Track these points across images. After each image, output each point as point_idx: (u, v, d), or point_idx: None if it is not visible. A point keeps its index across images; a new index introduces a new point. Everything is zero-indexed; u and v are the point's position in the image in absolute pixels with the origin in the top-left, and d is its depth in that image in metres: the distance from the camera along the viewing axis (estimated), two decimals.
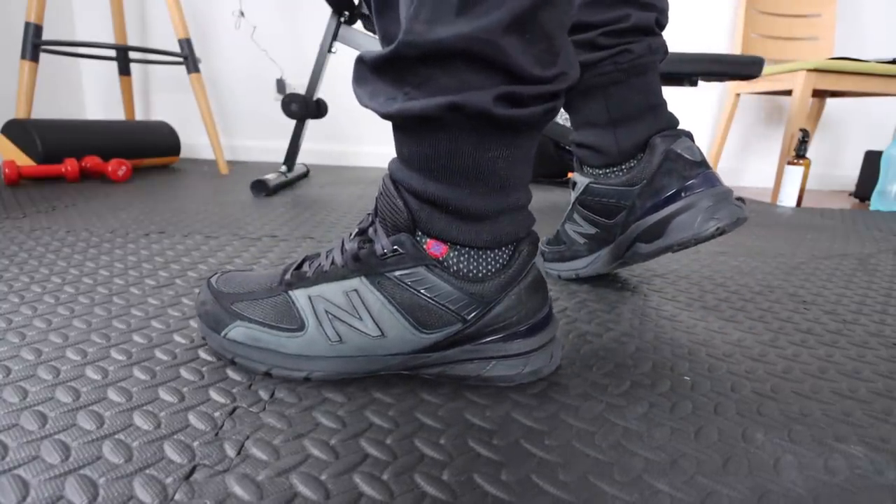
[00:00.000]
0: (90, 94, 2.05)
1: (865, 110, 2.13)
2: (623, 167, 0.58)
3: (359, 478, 0.28)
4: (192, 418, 0.33)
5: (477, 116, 0.32)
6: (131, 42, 1.96)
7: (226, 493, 0.27)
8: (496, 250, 0.38)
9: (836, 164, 2.21)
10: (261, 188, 1.22)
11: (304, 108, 1.32)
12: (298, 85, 2.01)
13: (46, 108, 1.80)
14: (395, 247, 0.36)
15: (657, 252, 0.56)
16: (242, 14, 1.94)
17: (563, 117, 1.59)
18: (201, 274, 0.62)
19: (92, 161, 1.34)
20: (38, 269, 0.61)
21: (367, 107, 0.36)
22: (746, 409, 0.37)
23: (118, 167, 1.32)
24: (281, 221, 0.95)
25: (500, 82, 0.32)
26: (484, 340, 0.38)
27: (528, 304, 0.38)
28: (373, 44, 1.28)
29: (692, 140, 0.56)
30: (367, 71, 0.35)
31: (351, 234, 0.39)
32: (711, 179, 0.54)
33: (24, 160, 1.28)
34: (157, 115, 2.10)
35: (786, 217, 1.31)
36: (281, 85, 2.00)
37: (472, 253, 0.37)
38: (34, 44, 1.37)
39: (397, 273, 0.36)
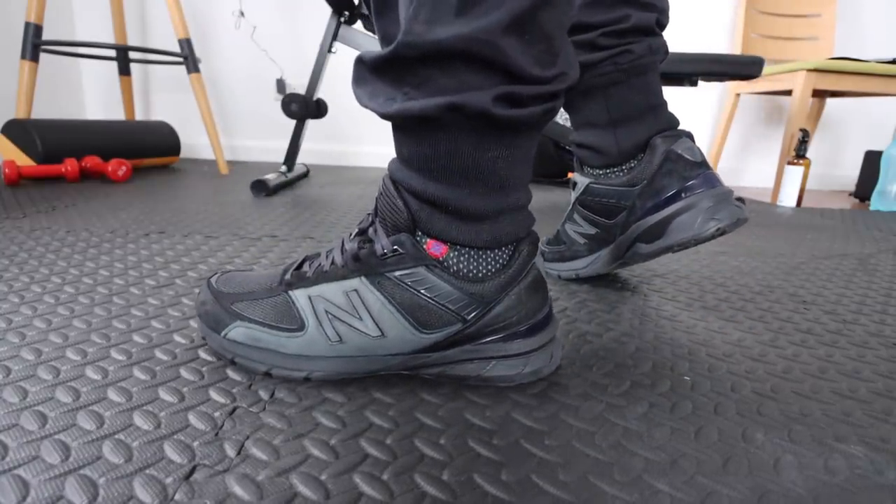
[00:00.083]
0: (90, 94, 2.05)
1: (865, 110, 2.13)
2: (623, 167, 0.58)
3: (359, 478, 0.28)
4: (192, 418, 0.33)
5: (476, 117, 0.32)
6: (131, 42, 1.96)
7: (226, 493, 0.27)
8: (496, 250, 0.38)
9: (836, 164, 2.21)
10: (261, 188, 1.22)
11: (304, 108, 1.32)
12: (298, 85, 2.01)
13: (46, 108, 1.80)
14: (395, 247, 0.36)
15: (657, 252, 0.56)
16: (242, 14, 1.94)
17: (563, 117, 1.59)
18: (201, 274, 0.62)
19: (92, 161, 1.34)
20: (38, 269, 0.61)
21: (366, 107, 0.36)
22: (746, 409, 0.37)
23: (118, 167, 1.32)
24: (281, 221, 0.95)
25: (500, 82, 0.32)
26: (484, 340, 0.38)
27: (528, 304, 0.38)
28: (373, 44, 1.28)
29: (692, 140, 0.56)
30: (367, 71, 0.35)
31: (351, 235, 0.39)
32: (712, 180, 0.54)
33: (24, 160, 1.28)
34: (157, 115, 2.10)
35: (786, 217, 1.31)
36: (281, 85, 2.00)
37: (472, 253, 0.37)
38: (34, 44, 1.37)
39: (397, 273, 0.36)
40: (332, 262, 0.38)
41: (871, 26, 2.03)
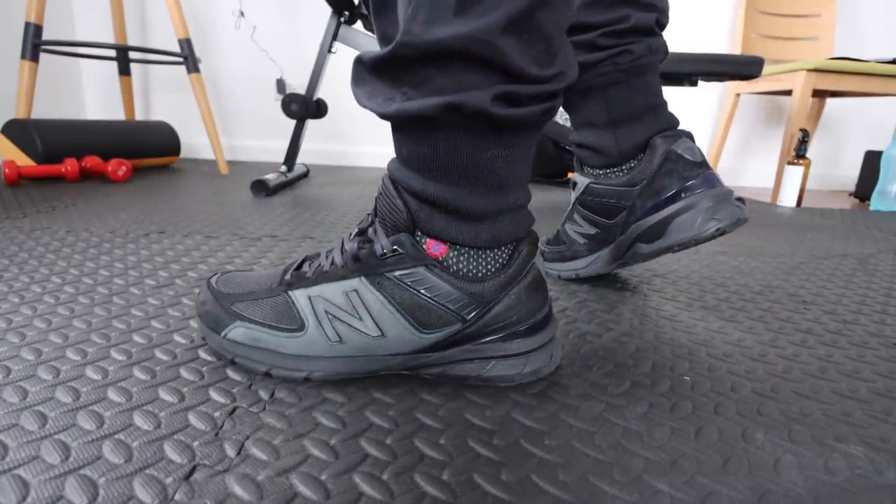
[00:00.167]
0: (90, 94, 2.05)
1: (865, 110, 2.13)
2: (623, 168, 0.58)
3: (359, 478, 0.28)
4: (192, 418, 0.33)
5: (475, 116, 0.32)
6: (131, 42, 1.96)
7: (226, 493, 0.27)
8: (496, 250, 0.38)
9: (836, 164, 2.21)
10: (261, 188, 1.22)
11: (304, 108, 1.32)
12: (298, 85, 2.01)
13: (46, 108, 1.80)
14: (395, 247, 0.36)
15: (657, 252, 0.56)
16: (242, 14, 1.94)
17: (563, 117, 1.59)
18: (201, 274, 0.62)
19: (92, 161, 1.34)
20: (38, 269, 0.61)
21: (365, 107, 0.36)
22: (746, 409, 0.37)
23: (118, 167, 1.32)
24: (281, 221, 0.95)
25: (498, 82, 0.32)
26: (484, 340, 0.38)
27: (527, 304, 0.38)
28: (373, 44, 1.28)
29: (692, 140, 0.56)
30: (366, 71, 0.35)
31: (351, 235, 0.39)
32: (712, 180, 0.54)
33: (24, 160, 1.28)
34: (157, 115, 2.10)
35: (786, 217, 1.31)
36: (281, 85, 2.00)
37: (472, 253, 0.37)
38: (34, 44, 1.37)
39: (397, 273, 0.36)
40: (332, 263, 0.38)
41: (871, 26, 2.03)
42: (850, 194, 1.97)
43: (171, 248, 0.72)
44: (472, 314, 0.37)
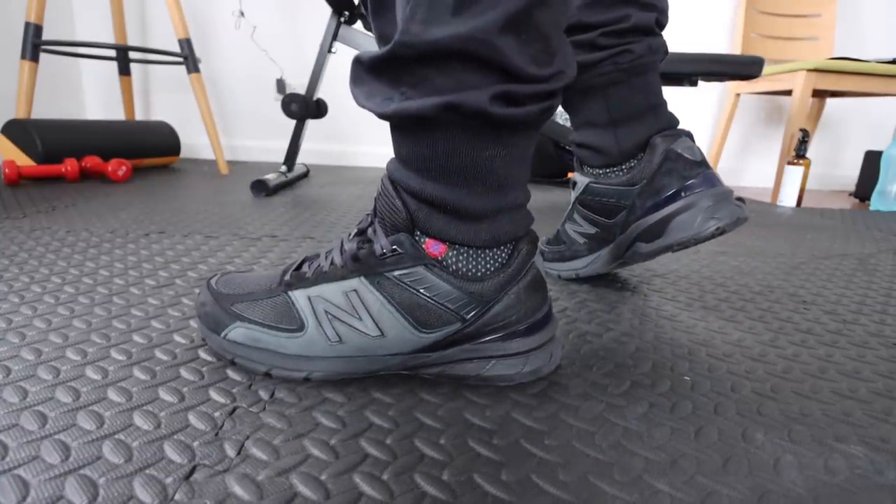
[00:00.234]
0: (90, 94, 2.05)
1: (865, 110, 2.13)
2: (623, 167, 0.58)
3: (359, 478, 0.28)
4: (192, 418, 0.33)
5: (473, 116, 0.32)
6: (131, 42, 1.96)
7: (226, 493, 0.27)
8: (495, 249, 0.38)
9: (836, 164, 2.21)
10: (261, 188, 1.22)
11: (304, 108, 1.32)
12: (298, 85, 2.01)
13: (46, 108, 1.80)
14: (394, 247, 0.36)
15: (657, 252, 0.56)
16: (242, 14, 1.94)
17: (563, 117, 1.59)
18: (201, 274, 0.62)
19: (92, 161, 1.34)
20: (38, 269, 0.61)
21: (363, 107, 0.36)
22: (746, 409, 0.37)
23: (118, 167, 1.32)
24: (281, 221, 0.95)
25: (496, 81, 0.32)
26: (483, 339, 0.38)
27: (527, 304, 0.38)
28: (373, 44, 1.28)
29: (692, 140, 0.56)
30: (364, 71, 0.35)
31: (350, 235, 0.39)
32: (711, 179, 0.54)
33: (24, 160, 1.28)
34: (157, 115, 2.10)
35: (786, 217, 1.31)
36: (281, 85, 2.00)
37: (471, 252, 0.37)
38: (34, 44, 1.37)
39: (396, 273, 0.36)
40: (332, 263, 0.38)
41: (871, 26, 2.03)
42: (850, 194, 1.97)
43: (171, 248, 0.73)
44: (472, 313, 0.37)
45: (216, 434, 0.31)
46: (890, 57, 1.58)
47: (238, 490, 0.27)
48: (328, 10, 1.75)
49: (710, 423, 0.35)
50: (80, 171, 1.30)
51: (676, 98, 2.06)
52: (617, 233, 0.60)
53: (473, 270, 0.37)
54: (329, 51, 1.30)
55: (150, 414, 0.33)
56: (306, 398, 0.36)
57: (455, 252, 0.37)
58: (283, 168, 1.39)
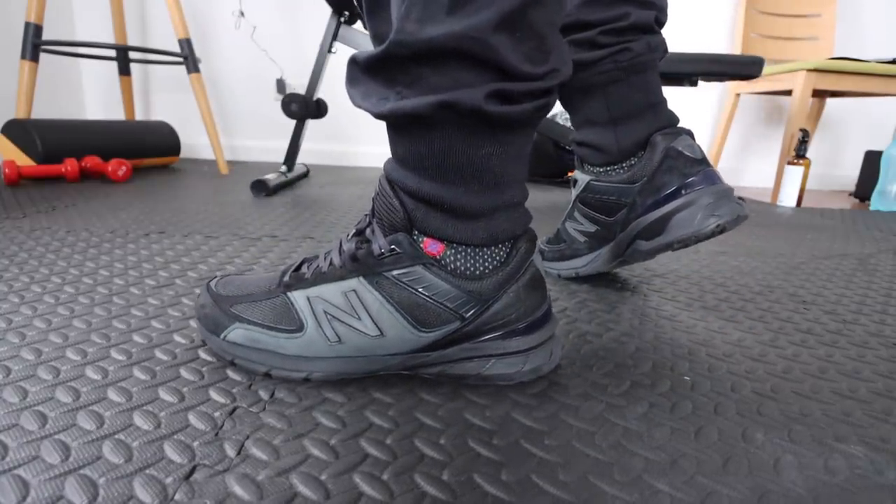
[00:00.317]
0: (90, 94, 2.05)
1: (865, 110, 2.13)
2: (624, 165, 0.58)
3: (359, 478, 0.28)
4: (192, 418, 0.33)
5: (469, 114, 0.33)
6: (131, 42, 1.96)
7: (226, 493, 0.27)
8: (493, 248, 0.38)
9: (836, 164, 2.21)
10: (261, 188, 1.22)
11: (304, 108, 1.32)
12: (298, 85, 2.01)
13: (46, 108, 1.80)
14: (393, 246, 0.36)
15: (657, 249, 0.56)
16: (242, 14, 1.94)
17: (563, 117, 1.59)
18: (201, 274, 0.62)
19: (92, 161, 1.34)
20: (38, 269, 0.61)
21: (360, 107, 0.36)
22: (746, 409, 0.37)
23: (118, 167, 1.32)
24: (281, 221, 0.95)
25: (491, 80, 0.32)
26: (483, 338, 0.38)
27: (526, 302, 0.38)
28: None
29: (692, 138, 0.56)
30: (360, 71, 0.35)
31: (348, 235, 0.39)
32: (712, 177, 0.54)
33: (24, 160, 1.28)
34: (157, 115, 2.10)
35: (786, 217, 1.31)
36: (281, 85, 2.00)
37: (469, 251, 0.37)
38: (34, 44, 1.37)
39: (395, 272, 0.36)
40: (331, 263, 0.38)
41: (871, 26, 2.03)
42: (850, 194, 1.97)
43: (171, 248, 0.73)
44: (471, 312, 0.37)
45: (216, 434, 0.31)
46: (890, 57, 1.58)
47: (238, 490, 0.27)
48: (328, 10, 1.75)
49: (710, 423, 0.35)
50: (80, 171, 1.30)
51: (676, 98, 2.06)
52: (617, 231, 0.60)
53: (472, 269, 0.37)
54: (329, 51, 1.30)
55: (150, 414, 0.33)
56: (306, 398, 0.36)
57: (453, 251, 0.37)
58: (283, 168, 1.39)
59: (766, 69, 1.63)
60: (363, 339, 0.37)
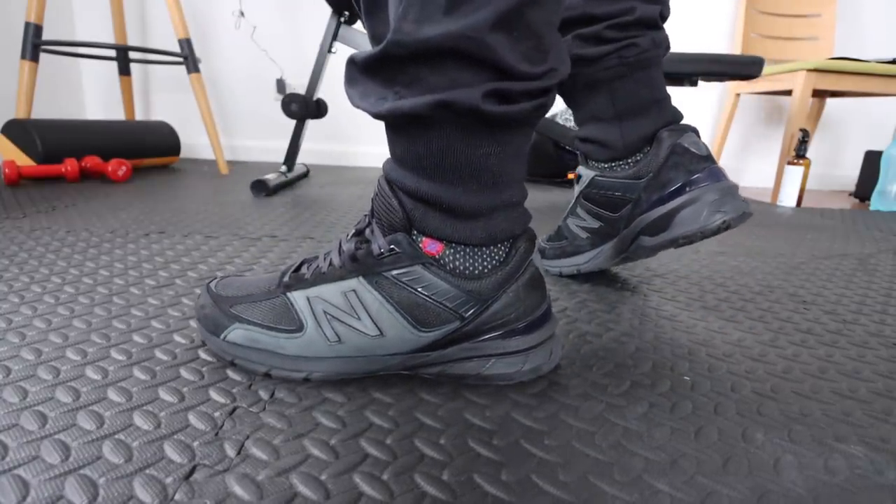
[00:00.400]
0: (90, 94, 2.05)
1: (865, 110, 2.13)
2: (629, 161, 0.58)
3: (359, 478, 0.28)
4: (192, 418, 0.33)
5: (466, 113, 0.33)
6: (131, 42, 1.96)
7: (226, 493, 0.27)
8: (492, 247, 0.38)
9: (836, 164, 2.21)
10: (261, 188, 1.22)
11: (304, 108, 1.32)
12: (298, 85, 2.01)
13: (46, 108, 1.80)
14: (392, 246, 0.36)
15: (662, 245, 0.56)
16: (242, 14, 1.94)
17: (563, 118, 1.59)
18: (201, 274, 0.62)
19: (92, 161, 1.34)
20: (38, 269, 0.61)
21: (358, 107, 0.36)
22: (746, 409, 0.37)
23: (118, 167, 1.32)
24: (281, 221, 0.95)
25: (489, 79, 0.32)
26: (483, 338, 0.38)
27: (526, 301, 0.38)
28: None
29: (697, 135, 0.56)
30: (358, 72, 0.36)
31: (348, 235, 0.39)
32: (717, 174, 0.54)
33: (24, 160, 1.28)
34: (157, 115, 2.10)
35: (786, 217, 1.31)
36: (281, 85, 2.00)
37: (468, 250, 0.37)
38: (34, 44, 1.37)
39: (394, 272, 0.36)
40: (330, 264, 0.38)
41: (871, 26, 2.03)
42: (850, 194, 1.97)
43: (171, 248, 0.73)
44: (471, 312, 0.37)
45: (216, 434, 0.31)
46: (890, 57, 1.58)
47: (238, 490, 0.27)
48: (328, 10, 1.75)
49: (710, 423, 0.35)
50: (80, 171, 1.30)
51: (677, 98, 2.06)
52: (621, 227, 0.60)
53: (471, 268, 0.37)
54: (329, 51, 1.30)
55: (150, 414, 0.33)
56: (306, 398, 0.36)
57: (452, 250, 0.37)
58: (283, 168, 1.39)
59: (766, 69, 1.63)
60: (363, 339, 0.37)
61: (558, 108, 1.72)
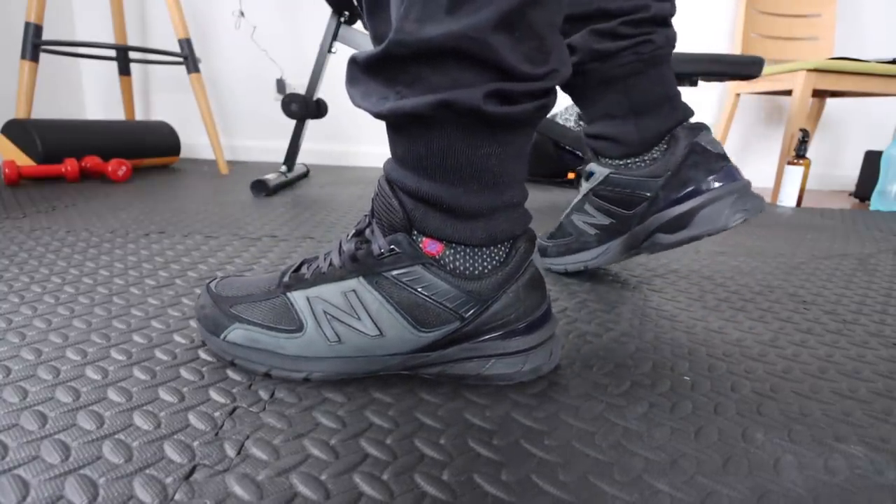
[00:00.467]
0: (90, 94, 2.05)
1: (865, 110, 2.13)
2: (645, 158, 0.59)
3: (359, 478, 0.28)
4: (192, 418, 0.33)
5: (467, 114, 0.33)
6: (131, 42, 1.96)
7: (226, 492, 0.27)
8: (492, 248, 0.38)
9: (836, 164, 2.21)
10: (261, 188, 1.22)
11: (304, 108, 1.32)
12: (298, 85, 2.01)
13: (46, 108, 1.80)
14: (392, 246, 0.36)
15: (680, 242, 0.57)
16: (242, 14, 1.94)
17: (562, 117, 1.59)
18: (201, 274, 0.62)
19: (92, 161, 1.34)
20: (38, 269, 0.61)
21: (359, 107, 0.36)
22: (746, 409, 0.37)
23: (118, 167, 1.32)
24: (281, 221, 0.95)
25: (490, 79, 0.32)
26: (482, 338, 0.38)
27: (526, 302, 0.38)
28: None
29: (710, 132, 0.57)
30: (360, 71, 0.36)
31: (348, 236, 0.39)
32: (733, 173, 0.56)
33: (24, 160, 1.28)
34: (157, 115, 2.10)
35: (786, 217, 1.31)
36: (281, 85, 2.00)
37: (468, 251, 0.37)
38: (34, 44, 1.37)
39: (394, 272, 0.36)
40: (330, 264, 0.38)
41: (871, 26, 2.03)
42: (850, 194, 1.97)
43: (171, 248, 0.73)
44: (471, 312, 0.37)
45: (216, 434, 0.31)
46: (890, 57, 1.58)
47: (238, 490, 0.27)
48: (328, 10, 1.75)
49: (710, 423, 0.35)
50: (80, 171, 1.30)
51: None
52: (633, 224, 0.60)
53: (471, 269, 0.37)
54: (329, 51, 1.30)
55: (150, 414, 0.33)
56: (306, 398, 0.36)
57: (452, 251, 0.37)
58: (283, 168, 1.39)
59: (766, 69, 1.63)
60: (363, 339, 0.37)
61: (558, 108, 1.72)
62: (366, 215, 0.39)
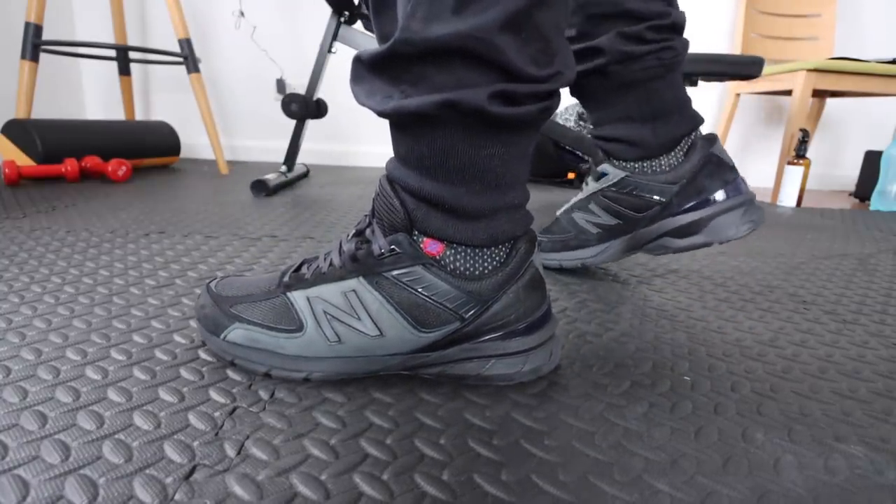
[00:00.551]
0: (90, 94, 2.05)
1: (865, 110, 2.13)
2: (662, 164, 0.60)
3: (359, 478, 0.28)
4: (192, 418, 0.33)
5: (471, 114, 0.33)
6: (131, 42, 1.96)
7: (226, 492, 0.27)
8: (493, 248, 0.38)
9: (836, 164, 2.21)
10: (261, 188, 1.22)
11: (304, 108, 1.32)
12: (298, 85, 2.01)
13: (46, 108, 1.80)
14: (392, 246, 0.36)
15: (689, 248, 0.59)
16: (242, 14, 1.94)
17: (562, 118, 1.59)
18: (201, 274, 0.62)
19: (92, 161, 1.34)
20: (38, 269, 0.61)
21: (364, 105, 0.36)
22: (746, 409, 0.37)
23: (118, 167, 1.32)
24: (281, 221, 0.95)
25: (495, 80, 0.32)
26: (483, 339, 0.38)
27: (526, 302, 0.38)
28: (373, 44, 1.28)
29: (721, 143, 0.59)
30: (364, 70, 0.35)
31: (348, 236, 0.39)
32: (742, 185, 0.58)
33: (24, 160, 1.28)
34: (157, 115, 2.10)
35: (786, 217, 1.31)
36: (281, 85, 2.00)
37: (469, 251, 0.37)
38: (34, 44, 1.37)
39: (395, 272, 0.36)
40: (330, 264, 0.38)
41: (871, 26, 2.03)
42: (850, 194, 1.97)
43: (171, 248, 0.73)
44: (471, 313, 0.37)
45: (216, 434, 0.31)
46: (890, 57, 1.58)
47: (238, 490, 0.27)
48: (328, 10, 1.75)
49: (710, 423, 0.35)
50: (80, 171, 1.30)
51: None
52: (640, 226, 0.61)
53: (471, 269, 0.37)
54: (329, 51, 1.30)
55: (150, 414, 0.33)
56: (306, 398, 0.36)
57: (453, 251, 0.37)
58: (283, 168, 1.39)
59: (766, 69, 1.63)
60: (363, 340, 0.37)
61: (558, 108, 1.72)
62: (366, 215, 0.39)
